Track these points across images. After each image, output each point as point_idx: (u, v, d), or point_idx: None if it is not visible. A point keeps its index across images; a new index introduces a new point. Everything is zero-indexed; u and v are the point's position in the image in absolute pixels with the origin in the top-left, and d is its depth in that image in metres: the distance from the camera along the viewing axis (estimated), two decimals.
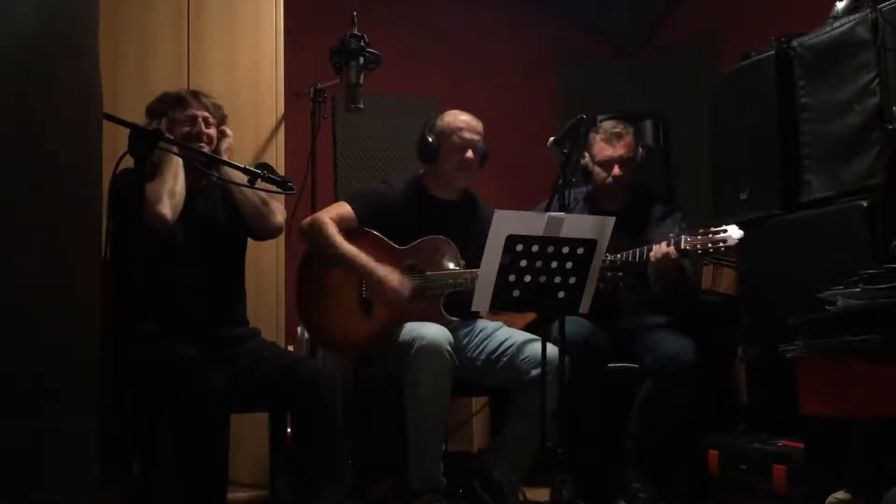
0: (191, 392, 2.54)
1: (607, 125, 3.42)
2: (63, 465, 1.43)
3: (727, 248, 2.92)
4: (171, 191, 2.69)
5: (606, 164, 3.34)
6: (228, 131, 2.93)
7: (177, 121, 2.83)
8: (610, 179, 3.35)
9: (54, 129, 1.45)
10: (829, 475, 2.51)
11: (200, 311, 2.81)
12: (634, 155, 3.39)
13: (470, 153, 3.16)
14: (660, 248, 3.01)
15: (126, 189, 2.42)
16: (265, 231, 2.96)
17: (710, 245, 2.92)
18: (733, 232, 2.89)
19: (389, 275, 3.01)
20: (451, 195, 3.25)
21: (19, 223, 1.36)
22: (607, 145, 3.35)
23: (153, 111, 2.86)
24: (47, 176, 1.43)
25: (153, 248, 2.66)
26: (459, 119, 3.20)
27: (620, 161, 3.34)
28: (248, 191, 2.77)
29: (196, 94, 2.91)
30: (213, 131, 2.88)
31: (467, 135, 3.17)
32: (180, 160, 2.73)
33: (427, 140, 3.19)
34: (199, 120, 2.85)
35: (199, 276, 2.82)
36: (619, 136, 3.34)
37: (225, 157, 2.82)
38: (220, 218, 2.92)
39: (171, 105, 2.86)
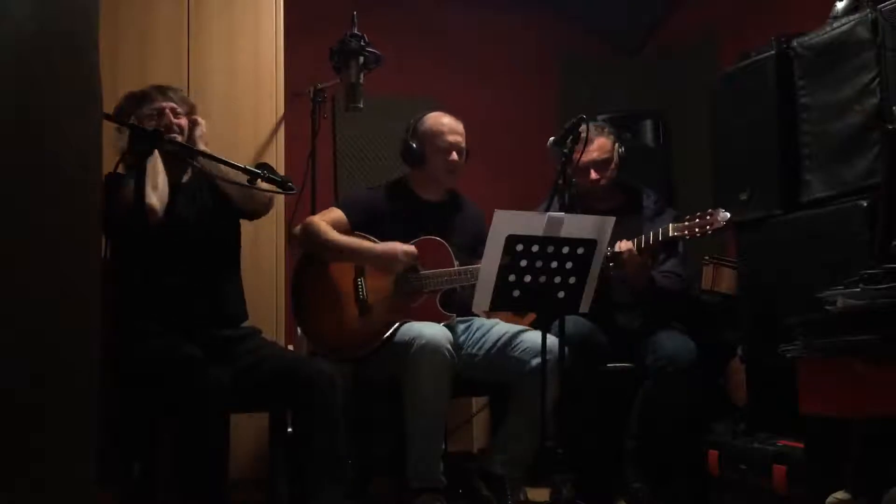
0: (191, 391, 2.54)
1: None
2: (63, 465, 1.43)
3: (715, 230, 2.91)
4: (154, 182, 2.66)
5: (582, 170, 3.22)
6: (200, 119, 2.90)
7: (144, 116, 2.80)
8: (588, 184, 3.32)
9: (54, 129, 1.45)
10: (829, 475, 2.51)
11: (198, 309, 2.80)
12: (610, 156, 3.34)
13: (455, 155, 3.21)
14: (620, 244, 3.02)
15: (113, 191, 2.41)
16: (258, 208, 2.94)
17: (697, 230, 2.93)
18: (720, 214, 2.90)
19: (393, 246, 3.06)
20: (437, 196, 3.30)
21: (19, 223, 1.36)
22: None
23: (121, 111, 2.80)
24: (47, 176, 1.43)
25: (144, 246, 2.64)
26: (441, 122, 3.23)
27: (594, 165, 3.30)
28: (231, 173, 2.67)
29: (160, 89, 2.88)
30: (183, 121, 2.85)
31: (451, 137, 3.21)
32: (157, 153, 2.67)
33: (412, 146, 3.22)
34: (167, 111, 2.83)
35: (191, 273, 2.81)
36: (590, 140, 3.19)
37: (201, 145, 2.80)
38: (207, 210, 2.90)
39: (137, 102, 2.83)
